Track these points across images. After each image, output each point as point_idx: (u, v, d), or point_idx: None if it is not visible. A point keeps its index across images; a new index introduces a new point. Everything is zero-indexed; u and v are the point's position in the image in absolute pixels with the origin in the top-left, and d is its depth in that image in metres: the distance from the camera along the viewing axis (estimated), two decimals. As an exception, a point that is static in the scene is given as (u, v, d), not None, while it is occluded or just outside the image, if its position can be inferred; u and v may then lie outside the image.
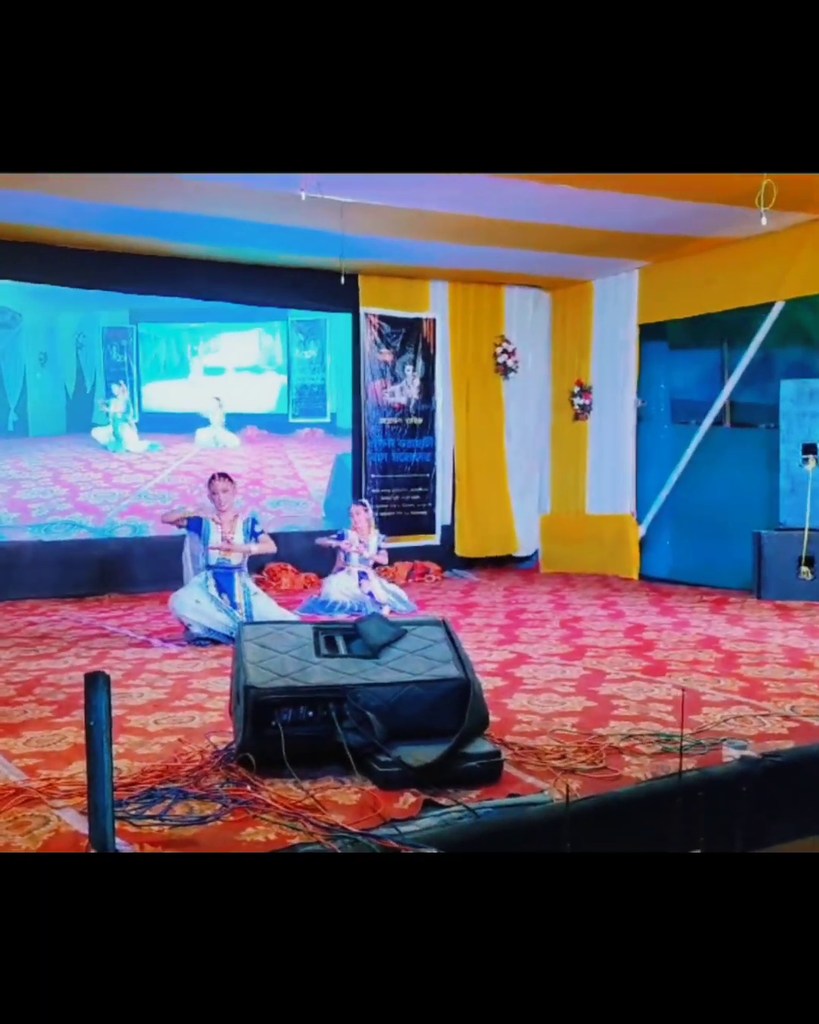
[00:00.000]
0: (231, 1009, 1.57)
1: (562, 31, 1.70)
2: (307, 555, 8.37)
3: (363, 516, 7.12)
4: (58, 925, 1.65)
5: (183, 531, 5.95)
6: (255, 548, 5.88)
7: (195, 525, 5.80)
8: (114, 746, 2.53)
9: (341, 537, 7.03)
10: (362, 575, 6.96)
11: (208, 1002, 1.57)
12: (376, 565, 7.12)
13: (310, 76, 1.64)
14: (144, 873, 1.90)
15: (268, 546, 5.99)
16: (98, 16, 1.46)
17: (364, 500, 7.77)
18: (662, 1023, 1.57)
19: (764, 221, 5.55)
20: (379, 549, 7.10)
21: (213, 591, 5.66)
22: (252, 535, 5.87)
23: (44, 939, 1.61)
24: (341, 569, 7.00)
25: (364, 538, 7.04)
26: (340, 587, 6.84)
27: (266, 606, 5.77)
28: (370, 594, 6.84)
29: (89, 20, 1.47)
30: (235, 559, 5.78)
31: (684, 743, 3.25)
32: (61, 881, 1.77)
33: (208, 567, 5.74)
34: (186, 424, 8.79)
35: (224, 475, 5.93)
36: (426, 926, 1.70)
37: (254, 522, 5.91)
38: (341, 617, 6.24)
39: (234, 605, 5.65)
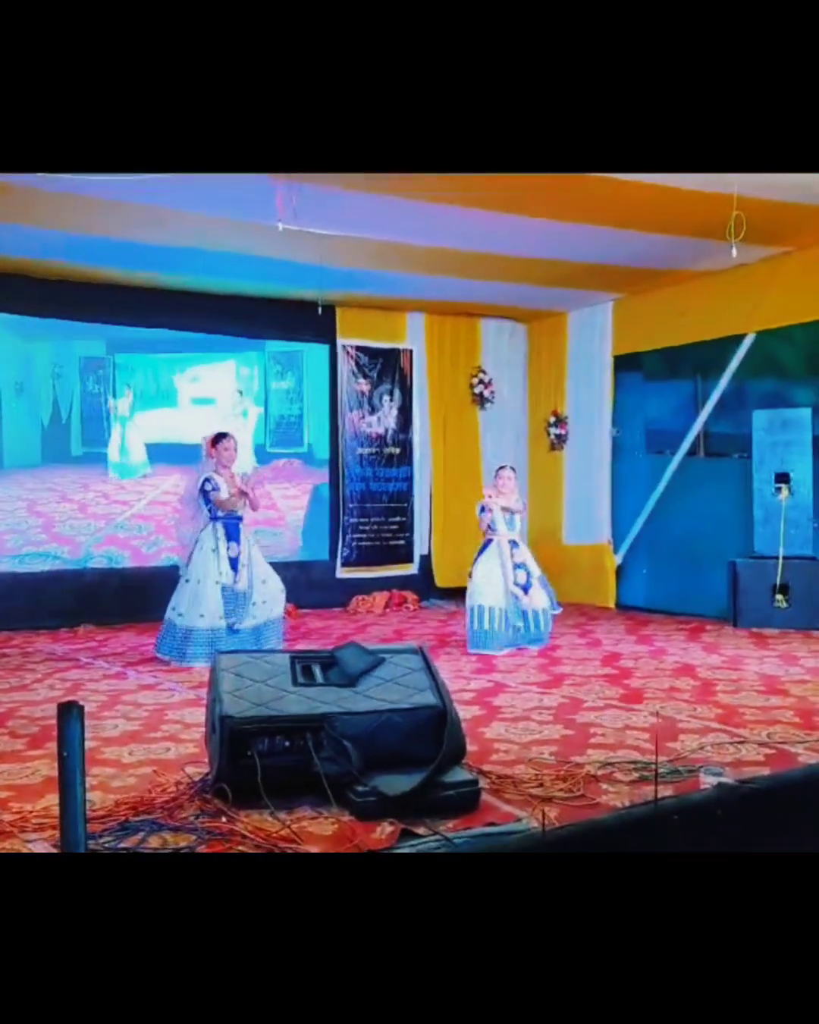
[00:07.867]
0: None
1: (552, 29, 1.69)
2: (288, 585, 8.31)
3: (510, 482, 6.61)
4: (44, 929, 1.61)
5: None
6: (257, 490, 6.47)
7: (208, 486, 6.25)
8: (88, 778, 2.50)
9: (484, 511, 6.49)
10: (514, 544, 6.46)
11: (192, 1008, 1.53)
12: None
13: (298, 77, 1.61)
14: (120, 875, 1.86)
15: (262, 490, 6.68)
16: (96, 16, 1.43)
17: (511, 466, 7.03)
18: None
19: (734, 253, 5.63)
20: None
21: (222, 539, 6.14)
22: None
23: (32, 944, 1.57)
24: (489, 541, 6.47)
25: (510, 504, 6.50)
26: (488, 575, 6.30)
27: (261, 559, 6.40)
28: (518, 583, 6.32)
29: (83, 21, 1.43)
30: (241, 510, 6.28)
31: (661, 770, 3.25)
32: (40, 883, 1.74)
33: (214, 519, 6.18)
34: (171, 455, 8.70)
35: (230, 435, 6.41)
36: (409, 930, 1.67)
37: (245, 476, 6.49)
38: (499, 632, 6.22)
39: (238, 553, 6.16)
